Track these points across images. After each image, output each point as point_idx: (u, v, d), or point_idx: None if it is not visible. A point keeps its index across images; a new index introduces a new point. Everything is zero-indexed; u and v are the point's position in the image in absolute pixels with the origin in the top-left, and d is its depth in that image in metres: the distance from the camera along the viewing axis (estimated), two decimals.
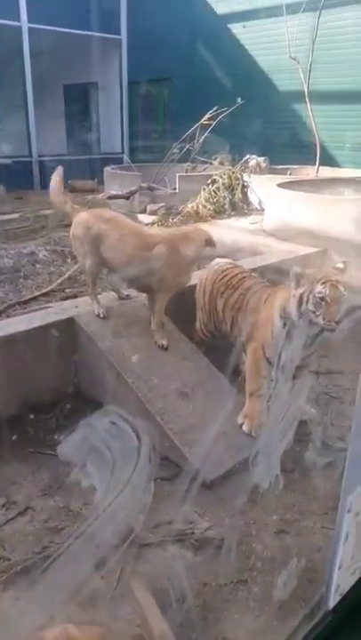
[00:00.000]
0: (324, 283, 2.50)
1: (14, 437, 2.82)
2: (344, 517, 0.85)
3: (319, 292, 2.49)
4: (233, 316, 3.15)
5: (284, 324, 2.70)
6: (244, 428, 2.77)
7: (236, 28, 10.92)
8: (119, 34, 13.05)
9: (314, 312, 2.51)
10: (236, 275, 3.26)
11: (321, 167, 8.15)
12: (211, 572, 2.03)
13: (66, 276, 4.66)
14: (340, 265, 2.74)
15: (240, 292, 3.13)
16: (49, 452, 2.75)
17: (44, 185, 11.23)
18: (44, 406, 3.05)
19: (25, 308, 3.81)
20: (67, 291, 4.40)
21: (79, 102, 14.74)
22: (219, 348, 3.35)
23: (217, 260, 3.57)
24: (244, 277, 3.24)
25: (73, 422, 2.95)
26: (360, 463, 0.94)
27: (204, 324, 3.44)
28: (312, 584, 1.88)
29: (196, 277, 3.51)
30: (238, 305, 3.11)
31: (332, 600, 0.90)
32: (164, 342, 3.13)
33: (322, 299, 2.48)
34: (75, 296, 4.15)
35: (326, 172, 8.31)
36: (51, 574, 1.66)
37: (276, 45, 9.24)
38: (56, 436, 2.86)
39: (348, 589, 0.94)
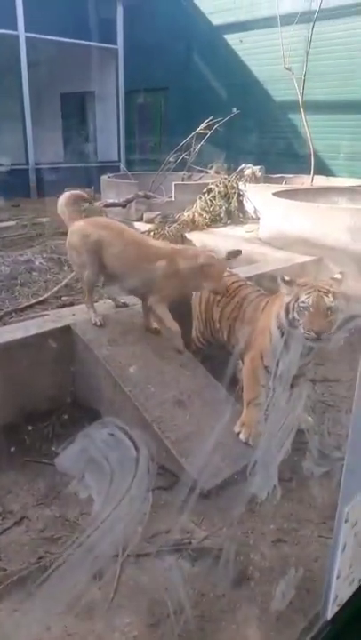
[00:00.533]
0: (308, 292, 2.51)
1: (10, 446, 2.81)
2: (341, 527, 0.86)
3: (303, 302, 2.50)
4: (230, 325, 3.15)
5: (282, 333, 2.71)
6: (241, 436, 2.77)
7: (232, 39, 11.04)
8: (116, 43, 13.15)
9: (298, 321, 2.53)
10: (232, 283, 3.27)
11: (316, 176, 8.22)
12: (208, 582, 2.02)
13: (62, 283, 4.66)
14: (338, 275, 2.74)
15: (236, 301, 3.14)
16: (45, 462, 2.74)
17: (41, 193, 11.28)
18: (40, 415, 3.04)
19: (21, 316, 3.80)
20: (63, 298, 4.40)
21: (76, 111, 14.82)
22: (216, 356, 3.35)
23: None
24: (240, 286, 3.24)
25: (70, 431, 2.97)
26: (357, 473, 0.95)
27: (200, 333, 3.45)
28: (310, 594, 1.88)
29: None
30: (235, 314, 3.12)
31: (331, 611, 0.90)
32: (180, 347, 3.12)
33: (305, 308, 2.49)
34: (71, 304, 4.15)
35: (321, 180, 8.38)
36: (48, 585, 1.65)
37: (270, 56, 9.34)
38: (53, 446, 2.86)
39: (347, 600, 0.94)
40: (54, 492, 2.52)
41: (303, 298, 2.51)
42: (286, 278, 2.65)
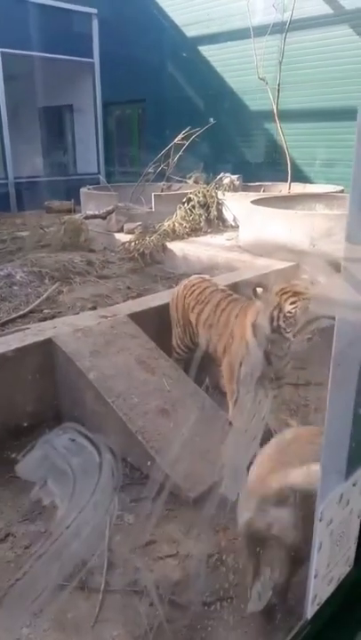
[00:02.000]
0: (293, 302, 2.57)
1: None
2: (317, 526, 0.87)
3: (290, 312, 2.56)
4: (206, 332, 3.20)
5: (259, 342, 2.75)
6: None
7: (206, 51, 11.19)
8: (92, 57, 13.25)
9: (285, 329, 2.60)
10: (205, 289, 3.32)
11: (293, 183, 8.33)
12: (196, 590, 2.02)
13: (44, 297, 4.65)
14: (305, 276, 2.83)
15: (210, 308, 3.18)
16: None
17: (21, 207, 11.25)
18: (23, 430, 3.00)
19: (3, 330, 3.78)
20: (45, 312, 4.39)
21: (54, 125, 14.86)
22: (198, 364, 3.37)
23: (193, 277, 3.62)
24: (212, 291, 3.30)
25: None
26: (330, 474, 0.96)
27: (180, 340, 3.46)
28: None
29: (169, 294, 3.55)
30: (210, 322, 3.16)
31: (310, 610, 0.91)
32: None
33: (293, 317, 2.56)
34: (53, 317, 4.14)
35: (298, 188, 8.50)
36: (16, 595, 1.63)
37: (245, 67, 9.49)
38: None
39: (326, 599, 0.95)
40: (39, 508, 2.50)
41: (289, 308, 2.57)
42: (259, 290, 2.69)
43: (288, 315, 2.57)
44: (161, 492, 2.39)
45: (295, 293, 2.60)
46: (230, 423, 2.84)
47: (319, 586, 0.91)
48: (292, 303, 2.57)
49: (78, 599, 1.99)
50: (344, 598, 0.99)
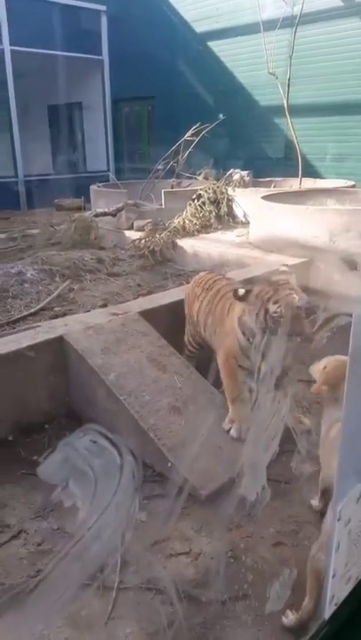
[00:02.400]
0: (276, 302, 2.52)
1: (6, 459, 2.79)
2: (335, 526, 0.86)
3: (275, 312, 2.52)
4: (204, 319, 3.19)
5: (248, 337, 2.73)
6: (232, 432, 2.77)
7: (216, 46, 11.13)
8: (101, 54, 13.24)
9: (274, 329, 2.56)
10: (210, 279, 3.34)
11: (303, 178, 8.27)
12: (210, 588, 2.01)
13: (54, 294, 4.66)
14: (284, 267, 2.77)
15: (211, 295, 3.18)
16: None
17: (31, 205, 11.30)
18: (35, 427, 3.02)
19: (14, 328, 3.79)
20: (56, 309, 4.40)
21: (64, 122, 14.88)
22: (209, 360, 3.35)
23: (203, 272, 3.62)
24: (215, 280, 3.30)
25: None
26: (348, 473, 0.95)
27: (191, 336, 3.45)
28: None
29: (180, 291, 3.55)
30: (208, 308, 3.14)
31: (328, 610, 0.90)
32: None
33: (280, 317, 2.52)
34: (64, 314, 4.15)
35: (309, 183, 8.44)
36: (38, 597, 1.64)
37: (254, 62, 9.43)
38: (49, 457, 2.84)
39: (344, 599, 0.94)
40: (51, 505, 2.50)
41: (274, 308, 2.52)
42: (240, 293, 2.62)
43: (274, 315, 2.53)
44: (176, 490, 2.38)
45: (276, 291, 2.54)
46: (228, 431, 2.79)
47: (337, 586, 0.90)
48: (275, 302, 2.53)
49: (91, 596, 1.99)
50: None
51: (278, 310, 2.51)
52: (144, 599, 1.97)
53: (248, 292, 2.63)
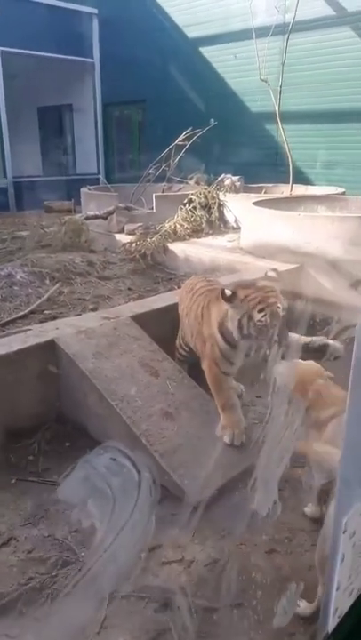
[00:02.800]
0: (261, 310, 2.50)
1: None
2: (340, 538, 0.85)
3: (260, 321, 2.50)
4: (187, 322, 3.17)
5: (229, 342, 2.70)
6: (225, 439, 2.76)
7: (207, 52, 11.18)
8: (92, 57, 13.24)
9: (257, 337, 2.54)
10: (197, 282, 3.32)
11: (294, 185, 8.32)
12: (203, 596, 1.99)
13: (45, 297, 4.62)
14: (272, 273, 2.76)
15: (194, 297, 3.15)
16: (32, 480, 2.68)
17: (20, 207, 11.23)
18: (25, 432, 2.98)
19: (3, 331, 3.75)
20: (46, 312, 4.36)
21: (54, 124, 14.84)
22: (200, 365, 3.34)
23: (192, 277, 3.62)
24: (197, 282, 3.29)
25: (56, 448, 2.93)
26: (351, 483, 0.94)
27: (181, 339, 3.43)
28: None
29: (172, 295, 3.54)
30: (191, 310, 3.12)
31: (331, 623, 0.89)
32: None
33: (264, 325, 2.50)
34: (54, 317, 4.11)
35: (300, 189, 8.49)
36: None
37: (246, 68, 9.48)
38: (39, 463, 2.80)
39: (346, 611, 0.93)
40: (42, 511, 2.47)
41: (258, 317, 2.50)
42: (227, 294, 2.59)
43: (259, 324, 2.51)
44: (166, 496, 2.36)
45: (262, 299, 2.52)
46: (220, 437, 2.77)
47: (340, 598, 0.89)
48: (260, 311, 2.50)
49: (74, 596, 1.97)
50: None
51: (263, 319, 2.49)
52: (137, 608, 1.95)
53: (234, 294, 2.59)
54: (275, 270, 2.89)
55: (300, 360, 2.37)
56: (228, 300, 2.59)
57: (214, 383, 2.83)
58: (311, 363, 2.33)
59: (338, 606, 0.89)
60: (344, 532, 0.84)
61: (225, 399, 2.82)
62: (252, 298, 2.54)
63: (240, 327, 2.58)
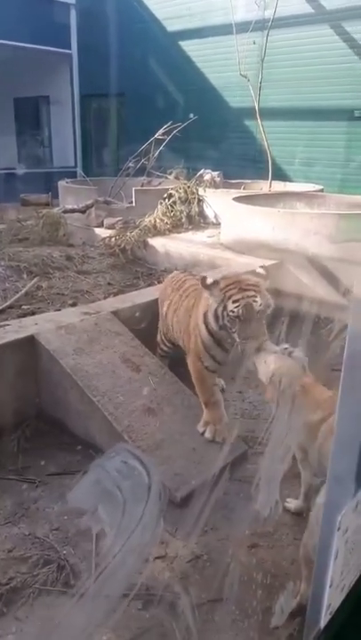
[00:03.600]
0: (236, 301, 2.46)
1: None
2: (334, 536, 0.85)
3: (232, 312, 2.46)
4: (172, 317, 3.15)
5: (212, 336, 2.66)
6: (207, 434, 2.76)
7: (187, 46, 11.12)
8: (70, 48, 13.03)
9: (230, 328, 2.51)
10: (181, 278, 3.31)
11: (273, 181, 8.36)
12: (186, 592, 1.99)
13: (22, 292, 4.54)
14: (260, 270, 2.73)
15: (180, 293, 3.14)
16: (12, 478, 2.64)
17: None
18: (4, 429, 2.93)
19: None
20: (24, 307, 4.28)
21: (30, 116, 14.57)
22: (183, 360, 3.33)
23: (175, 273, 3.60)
24: (185, 279, 3.27)
25: (36, 445, 2.88)
26: (343, 480, 0.94)
27: (163, 335, 3.41)
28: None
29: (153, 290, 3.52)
30: (177, 305, 3.11)
31: (324, 619, 0.89)
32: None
33: (235, 317, 2.47)
34: (32, 313, 4.04)
35: (279, 186, 8.54)
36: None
37: (226, 63, 9.47)
38: (19, 460, 2.76)
39: (338, 607, 0.94)
40: (22, 510, 2.43)
41: (232, 307, 2.46)
42: (209, 281, 2.56)
43: (231, 314, 2.47)
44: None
45: (240, 290, 2.48)
46: (202, 433, 2.76)
47: (333, 594, 0.90)
48: (234, 302, 2.46)
49: (66, 604, 1.94)
50: (355, 605, 0.97)
51: (235, 310, 2.45)
52: (120, 606, 1.93)
53: (216, 282, 2.56)
54: (263, 267, 2.87)
55: (282, 355, 2.36)
56: (208, 287, 2.55)
57: (198, 378, 2.83)
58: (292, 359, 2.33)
59: (331, 602, 0.89)
60: (338, 530, 0.84)
61: (208, 395, 2.81)
62: (231, 288, 2.51)
63: (216, 317, 2.54)
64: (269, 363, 2.28)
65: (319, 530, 1.11)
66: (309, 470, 2.19)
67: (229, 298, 2.48)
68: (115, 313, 3.47)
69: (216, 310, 2.53)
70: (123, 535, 0.96)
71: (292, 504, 2.38)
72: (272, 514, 1.84)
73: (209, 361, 2.77)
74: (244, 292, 2.48)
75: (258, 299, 2.48)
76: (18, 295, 4.48)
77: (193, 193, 7.14)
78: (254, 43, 8.28)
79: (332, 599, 0.89)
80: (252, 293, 2.49)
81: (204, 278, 2.61)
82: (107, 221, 6.93)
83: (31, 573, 2.08)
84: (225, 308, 2.49)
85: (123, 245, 5.84)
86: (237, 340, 2.48)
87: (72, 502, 1.97)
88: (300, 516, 2.32)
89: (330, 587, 0.87)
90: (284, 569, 2.08)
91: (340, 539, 0.85)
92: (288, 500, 2.41)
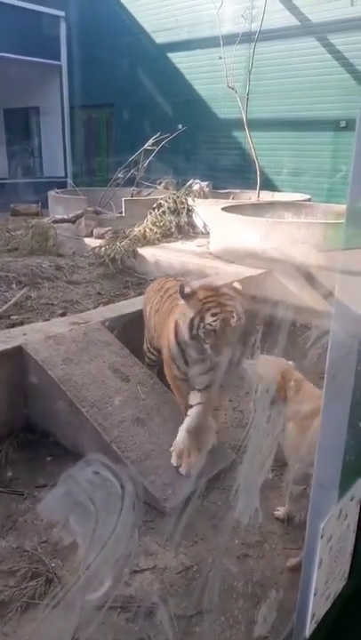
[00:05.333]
0: (214, 315, 2.44)
1: None
2: (318, 544, 0.85)
3: (210, 325, 2.44)
4: (153, 322, 3.12)
5: (177, 341, 2.64)
6: (181, 471, 2.64)
7: (175, 58, 11.24)
8: (59, 59, 13.12)
9: (204, 340, 2.48)
10: (164, 280, 3.29)
11: (261, 191, 8.44)
12: (175, 603, 1.98)
13: (11, 302, 4.52)
14: (237, 284, 2.75)
15: (160, 296, 3.12)
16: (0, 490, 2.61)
17: None
18: None
19: None
20: (13, 317, 4.26)
21: (20, 127, 14.62)
22: None
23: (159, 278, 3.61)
24: (167, 281, 3.26)
25: (24, 456, 2.86)
26: (327, 487, 0.95)
27: (148, 342, 3.38)
28: (282, 609, 1.86)
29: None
30: (156, 309, 3.08)
31: (309, 628, 0.89)
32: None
33: (212, 330, 2.45)
34: (21, 323, 4.02)
35: (267, 195, 8.62)
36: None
37: (214, 75, 9.59)
38: (8, 472, 2.73)
39: (322, 615, 0.94)
40: (10, 522, 2.41)
41: (210, 320, 2.44)
42: (187, 290, 2.53)
43: (208, 327, 2.44)
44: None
45: (219, 304, 2.47)
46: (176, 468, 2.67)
47: (318, 603, 0.90)
48: (213, 315, 2.44)
49: (54, 617, 1.92)
50: (340, 613, 0.97)
51: (214, 324, 2.43)
52: (109, 618, 1.91)
53: (194, 292, 2.53)
54: (240, 282, 2.88)
55: (265, 355, 2.37)
56: (186, 297, 2.52)
57: (172, 385, 2.81)
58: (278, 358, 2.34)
59: (315, 611, 0.89)
60: (322, 537, 0.85)
61: (185, 402, 2.79)
62: (210, 300, 2.49)
63: (190, 327, 2.49)
64: (259, 364, 2.29)
65: None
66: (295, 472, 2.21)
67: (208, 310, 2.46)
68: (104, 323, 3.46)
69: (192, 320, 2.49)
70: (95, 547, 0.95)
71: (280, 512, 2.38)
72: (252, 522, 1.83)
73: (176, 369, 2.72)
74: (223, 307, 2.46)
75: (235, 314, 2.47)
76: (7, 305, 4.46)
77: (182, 203, 7.19)
78: (235, 50, 8.36)
79: (316, 608, 0.89)
80: (230, 309, 2.47)
81: (182, 287, 2.56)
82: (96, 231, 6.94)
83: (19, 587, 2.05)
84: (202, 319, 2.46)
85: (112, 255, 5.85)
86: (209, 352, 2.48)
87: (43, 513, 1.94)
88: (292, 520, 2.32)
89: (314, 595, 0.87)
90: (275, 578, 2.07)
91: (323, 547, 0.86)
92: (278, 508, 2.41)
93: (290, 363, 2.33)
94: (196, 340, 2.50)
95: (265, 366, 2.31)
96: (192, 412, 2.72)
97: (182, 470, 2.61)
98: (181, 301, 2.56)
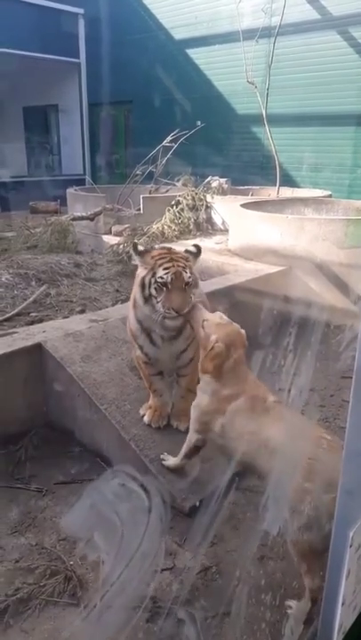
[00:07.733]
0: (166, 268, 2.33)
1: None
2: (346, 552, 0.82)
3: (160, 278, 2.32)
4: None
5: (138, 321, 2.52)
6: (145, 419, 2.72)
7: (194, 54, 11.18)
8: (78, 57, 13.16)
9: (155, 297, 2.35)
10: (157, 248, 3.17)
11: (281, 187, 8.35)
12: (195, 604, 1.96)
13: (31, 299, 4.54)
14: (193, 248, 2.58)
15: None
16: (18, 486, 2.62)
17: (6, 207, 11.08)
18: (11, 438, 2.92)
19: None
20: (32, 315, 4.28)
21: (39, 125, 14.72)
22: None
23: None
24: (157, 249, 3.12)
25: (43, 453, 2.87)
26: (355, 494, 0.91)
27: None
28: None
29: None
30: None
31: (337, 639, 0.86)
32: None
33: (163, 284, 2.32)
34: (41, 320, 4.04)
35: (287, 192, 8.52)
36: None
37: (233, 70, 9.50)
38: (26, 469, 2.74)
39: (350, 627, 0.91)
40: (29, 519, 2.41)
41: (161, 273, 2.33)
42: (140, 248, 2.43)
43: (159, 280, 2.32)
44: (157, 502, 2.32)
45: (171, 260, 2.36)
46: (143, 416, 2.71)
47: (345, 613, 0.86)
48: (165, 269, 2.33)
49: (72, 615, 1.92)
50: None
51: (165, 277, 2.31)
52: (128, 618, 1.90)
53: (147, 250, 2.45)
54: (196, 246, 2.64)
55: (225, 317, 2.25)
56: (140, 254, 2.44)
57: (138, 365, 2.77)
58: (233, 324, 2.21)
59: (343, 622, 0.86)
60: (351, 547, 0.81)
61: (148, 383, 2.74)
62: (162, 257, 2.39)
63: (143, 286, 2.39)
64: (209, 326, 2.18)
65: None
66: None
67: (160, 266, 2.36)
68: (122, 320, 3.45)
69: (144, 279, 2.39)
70: (120, 563, 0.93)
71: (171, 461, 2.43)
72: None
73: (139, 351, 2.63)
74: (175, 262, 2.37)
75: (187, 271, 2.37)
76: (26, 303, 4.48)
77: (201, 200, 7.15)
78: (257, 42, 8.24)
79: (344, 618, 0.86)
80: (183, 264, 2.38)
81: (135, 245, 2.47)
82: (115, 228, 6.95)
83: (38, 584, 2.05)
84: (154, 274, 2.35)
85: (131, 252, 5.84)
86: (161, 310, 2.34)
87: (66, 530, 1.91)
88: None
89: (342, 605, 0.84)
90: (295, 581, 2.03)
91: (352, 556, 0.82)
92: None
93: (242, 331, 2.19)
94: (149, 302, 2.38)
95: (216, 327, 2.17)
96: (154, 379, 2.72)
97: (146, 419, 2.71)
98: (137, 260, 2.46)
